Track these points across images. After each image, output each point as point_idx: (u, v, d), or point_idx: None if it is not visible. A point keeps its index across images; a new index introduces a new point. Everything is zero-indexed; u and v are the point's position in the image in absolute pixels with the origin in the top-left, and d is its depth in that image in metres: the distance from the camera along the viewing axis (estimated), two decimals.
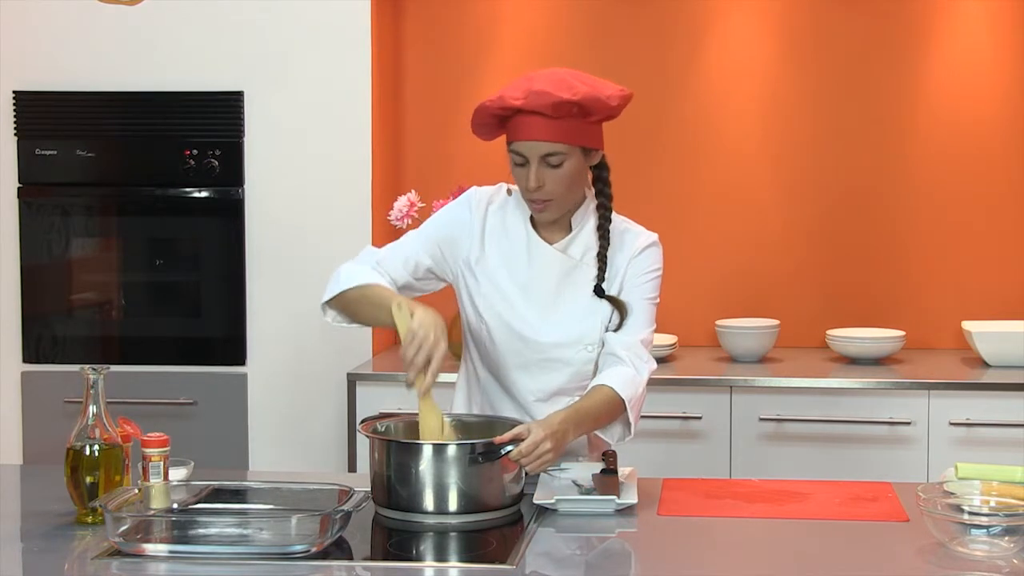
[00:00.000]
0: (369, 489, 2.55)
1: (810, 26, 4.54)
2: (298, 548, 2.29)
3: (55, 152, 4.34)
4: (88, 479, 2.48)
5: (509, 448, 2.52)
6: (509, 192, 2.84)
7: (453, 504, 2.50)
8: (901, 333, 4.29)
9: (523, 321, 2.78)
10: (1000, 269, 4.51)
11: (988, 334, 4.17)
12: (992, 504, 2.38)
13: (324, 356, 4.30)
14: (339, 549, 2.34)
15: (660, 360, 4.09)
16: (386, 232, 4.15)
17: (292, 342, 4.32)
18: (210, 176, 4.31)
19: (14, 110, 4.34)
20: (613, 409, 2.71)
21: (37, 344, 4.38)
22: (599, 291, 2.77)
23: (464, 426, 2.70)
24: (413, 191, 4.22)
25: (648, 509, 2.60)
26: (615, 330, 2.78)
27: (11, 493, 2.85)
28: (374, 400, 4.00)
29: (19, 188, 4.36)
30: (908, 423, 3.93)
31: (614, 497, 2.58)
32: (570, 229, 2.80)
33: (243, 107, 4.30)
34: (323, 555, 2.30)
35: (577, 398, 2.76)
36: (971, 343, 4.22)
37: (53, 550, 2.38)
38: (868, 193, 4.55)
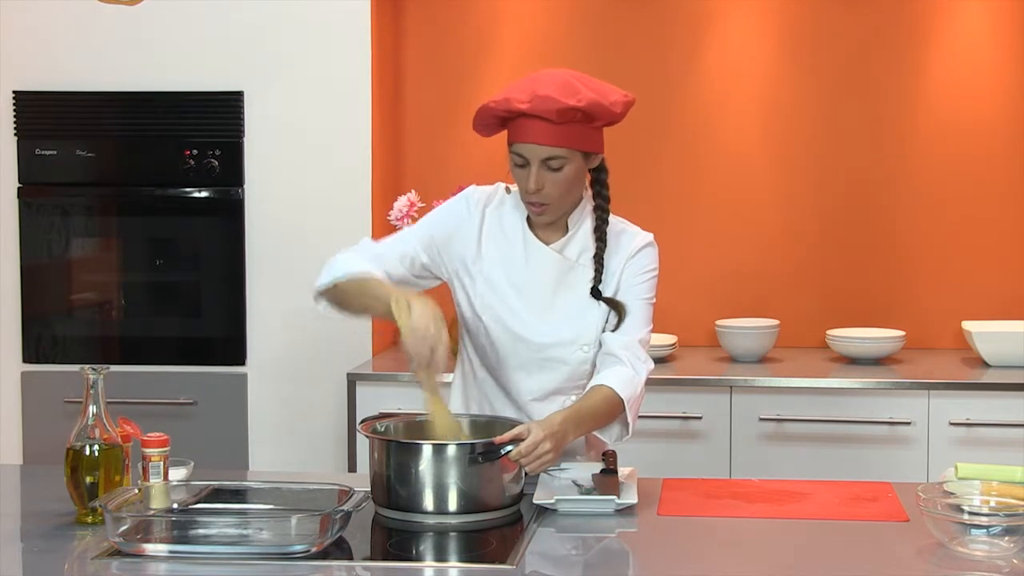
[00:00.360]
0: (369, 489, 2.55)
1: (810, 26, 4.53)
2: (298, 548, 2.29)
3: (55, 152, 4.34)
4: (88, 479, 2.48)
5: (509, 448, 2.52)
6: (508, 190, 2.84)
7: (453, 504, 2.50)
8: (901, 333, 4.29)
9: (520, 321, 2.78)
10: (1000, 269, 4.51)
11: (988, 334, 4.17)
12: (992, 504, 2.38)
13: (324, 356, 4.30)
14: (339, 549, 2.34)
15: (660, 360, 4.10)
16: (386, 232, 4.11)
17: (292, 342, 4.32)
18: (210, 176, 4.31)
19: (14, 110, 4.34)
20: (612, 409, 2.71)
21: (37, 344, 4.38)
22: (596, 293, 2.77)
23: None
24: (413, 191, 4.23)
25: (648, 509, 2.60)
26: (613, 330, 2.78)
27: (11, 493, 2.85)
28: (374, 400, 4.00)
29: (19, 188, 4.36)
30: (908, 423, 3.93)
31: (614, 497, 2.58)
32: (567, 230, 2.80)
33: (243, 107, 4.30)
34: (323, 555, 2.29)
35: (573, 398, 2.76)
36: (971, 343, 4.22)
37: (53, 550, 2.38)
38: (868, 193, 4.55)
